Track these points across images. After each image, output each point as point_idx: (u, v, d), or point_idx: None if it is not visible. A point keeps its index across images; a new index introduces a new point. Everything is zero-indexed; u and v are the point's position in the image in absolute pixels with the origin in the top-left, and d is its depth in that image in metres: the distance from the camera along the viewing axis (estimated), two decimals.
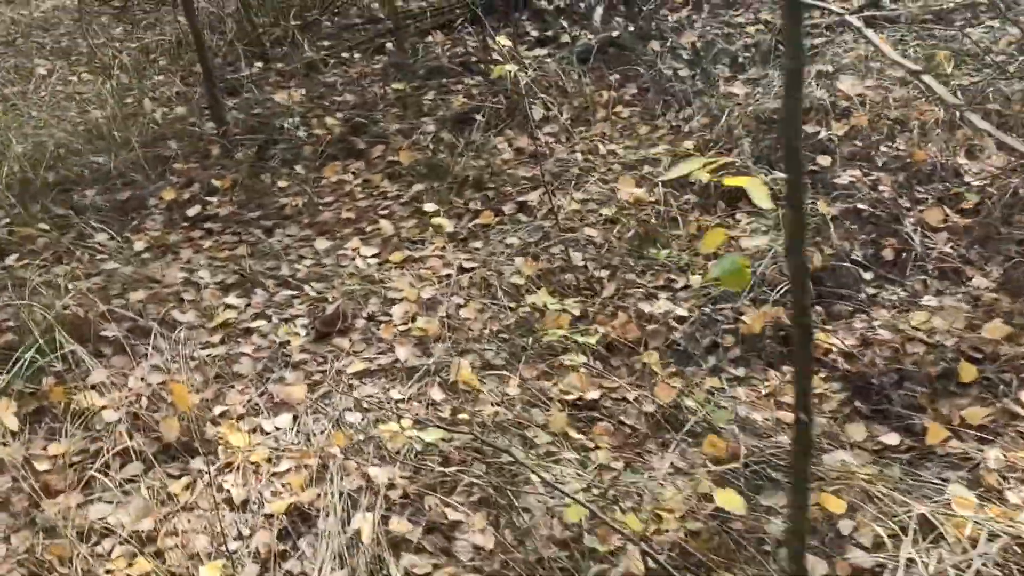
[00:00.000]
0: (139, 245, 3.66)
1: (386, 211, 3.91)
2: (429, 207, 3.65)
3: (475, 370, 2.84)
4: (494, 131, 4.42)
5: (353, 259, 3.57)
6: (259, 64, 5.40)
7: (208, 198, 4.02)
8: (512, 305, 3.16)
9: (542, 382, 2.80)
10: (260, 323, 3.17)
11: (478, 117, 4.49)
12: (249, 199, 4.02)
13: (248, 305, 3.28)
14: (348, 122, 4.50)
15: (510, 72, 3.21)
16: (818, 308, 2.79)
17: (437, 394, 2.76)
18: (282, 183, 4.10)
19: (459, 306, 3.19)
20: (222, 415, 2.72)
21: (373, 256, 3.57)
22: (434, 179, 4.03)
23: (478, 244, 3.59)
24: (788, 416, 2.47)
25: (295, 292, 3.36)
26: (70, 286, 3.28)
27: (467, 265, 3.42)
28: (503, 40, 3.14)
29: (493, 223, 3.72)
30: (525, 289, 3.25)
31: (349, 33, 5.95)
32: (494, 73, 3.01)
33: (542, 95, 4.60)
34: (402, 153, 4.05)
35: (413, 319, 3.14)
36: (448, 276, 3.38)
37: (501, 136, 4.34)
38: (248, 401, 2.78)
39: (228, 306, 3.27)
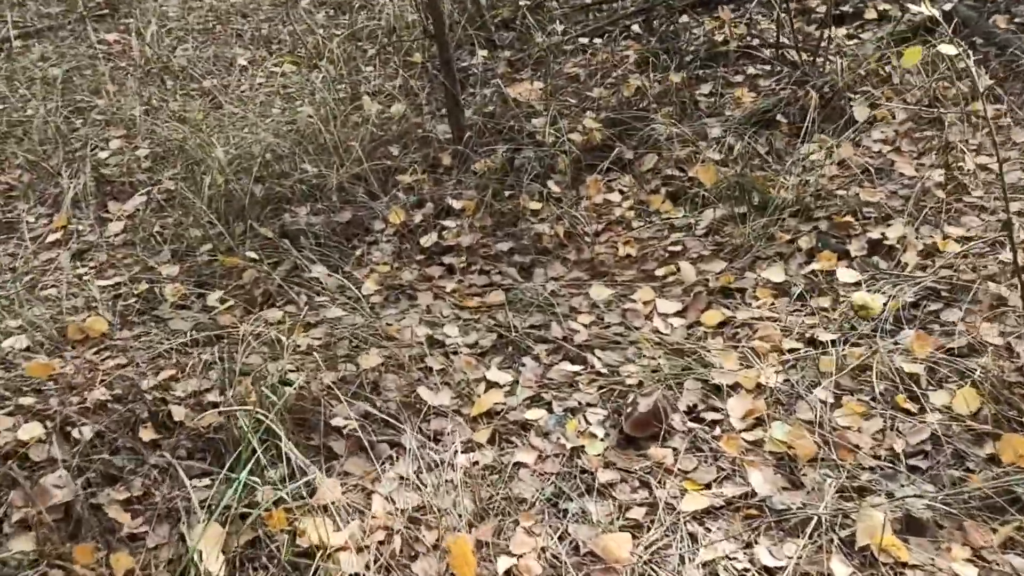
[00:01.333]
0: (368, 286, 2.83)
1: (678, 246, 2.93)
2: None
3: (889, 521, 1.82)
4: (803, 137, 3.37)
5: (648, 317, 2.61)
6: (483, 53, 4.52)
7: (445, 222, 3.17)
8: (915, 410, 2.12)
9: (1010, 556, 1.75)
10: (538, 414, 2.26)
11: (780, 118, 3.44)
12: (496, 225, 3.14)
13: (516, 383, 2.38)
14: (608, 125, 3.55)
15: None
16: None
17: (839, 567, 1.76)
18: (534, 204, 3.19)
19: (828, 404, 2.17)
20: (508, 573, 1.82)
21: (676, 314, 2.60)
22: (736, 202, 3.02)
23: (824, 302, 2.55)
24: None
25: (578, 365, 2.43)
26: (286, 340, 2.49)
27: (819, 336, 2.40)
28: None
29: (837, 269, 2.67)
30: (927, 381, 2.19)
31: (583, 15, 5.00)
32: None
33: (868, 88, 3.49)
34: (702, 171, 3.05)
35: (760, 422, 2.14)
36: (795, 352, 2.36)
37: (814, 143, 3.27)
38: (542, 551, 1.87)
39: (490, 383, 2.38)
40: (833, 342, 2.36)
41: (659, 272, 2.81)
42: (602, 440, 2.16)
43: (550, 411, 2.28)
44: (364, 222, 3.22)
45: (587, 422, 2.22)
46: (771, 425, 2.11)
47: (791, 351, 2.38)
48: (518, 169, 3.36)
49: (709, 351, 2.41)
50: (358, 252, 3.08)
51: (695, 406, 2.24)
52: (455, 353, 2.52)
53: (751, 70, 3.92)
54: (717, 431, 2.15)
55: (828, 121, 3.42)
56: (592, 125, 3.48)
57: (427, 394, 2.32)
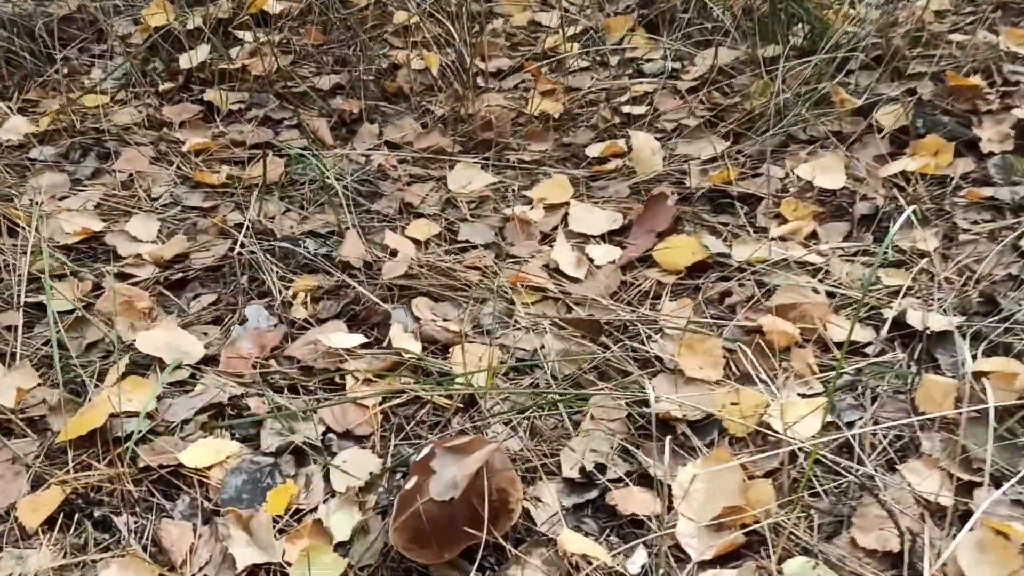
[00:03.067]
0: (21, 125, 1.47)
1: (640, 105, 1.54)
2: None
3: None
4: None
5: (548, 238, 1.25)
6: None
7: (244, 35, 1.76)
8: None
9: None
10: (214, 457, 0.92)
11: None
12: (326, 41, 1.75)
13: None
14: None
15: None
16: None
17: None
18: (404, 13, 1.78)
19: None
20: None
21: (608, 237, 1.24)
22: (764, 37, 1.60)
23: (926, 241, 1.17)
24: None
25: (360, 334, 1.08)
26: None
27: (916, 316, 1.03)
28: None
29: (954, 173, 1.29)
30: None
31: None
32: None
33: None
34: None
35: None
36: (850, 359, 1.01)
37: None
38: None
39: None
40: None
41: (592, 150, 1.43)
42: (345, 553, 0.83)
43: (254, 452, 0.94)
44: (109, 16, 1.82)
45: (330, 489, 0.89)
46: None
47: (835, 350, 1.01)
48: None
49: (658, 332, 1.05)
50: (62, 68, 1.69)
51: (598, 470, 0.90)
52: (120, 277, 1.17)
53: None
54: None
55: None
56: None
57: None
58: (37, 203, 1.30)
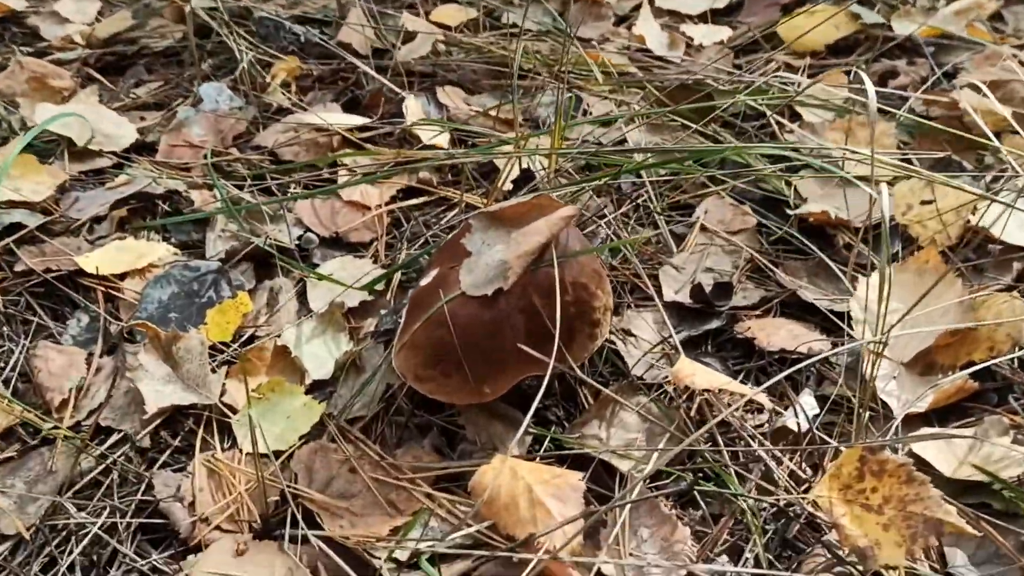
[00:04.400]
0: None
1: None
2: None
3: None
4: None
5: (623, 23, 0.90)
6: None
7: None
8: None
9: None
10: None
11: None
12: None
13: None
14: None
15: None
16: None
17: None
18: None
19: None
20: None
21: (703, 18, 0.89)
22: None
23: None
24: None
25: None
26: None
27: None
28: None
29: None
30: None
31: None
32: None
33: None
34: None
35: None
36: None
37: None
38: None
39: None
40: None
41: None
42: (325, 397, 0.51)
43: (191, 259, 0.62)
44: None
45: (307, 310, 0.57)
46: None
47: None
48: None
49: (795, 121, 0.72)
50: None
51: (720, 292, 0.57)
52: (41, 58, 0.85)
53: None
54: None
55: None
56: None
57: None
58: None
